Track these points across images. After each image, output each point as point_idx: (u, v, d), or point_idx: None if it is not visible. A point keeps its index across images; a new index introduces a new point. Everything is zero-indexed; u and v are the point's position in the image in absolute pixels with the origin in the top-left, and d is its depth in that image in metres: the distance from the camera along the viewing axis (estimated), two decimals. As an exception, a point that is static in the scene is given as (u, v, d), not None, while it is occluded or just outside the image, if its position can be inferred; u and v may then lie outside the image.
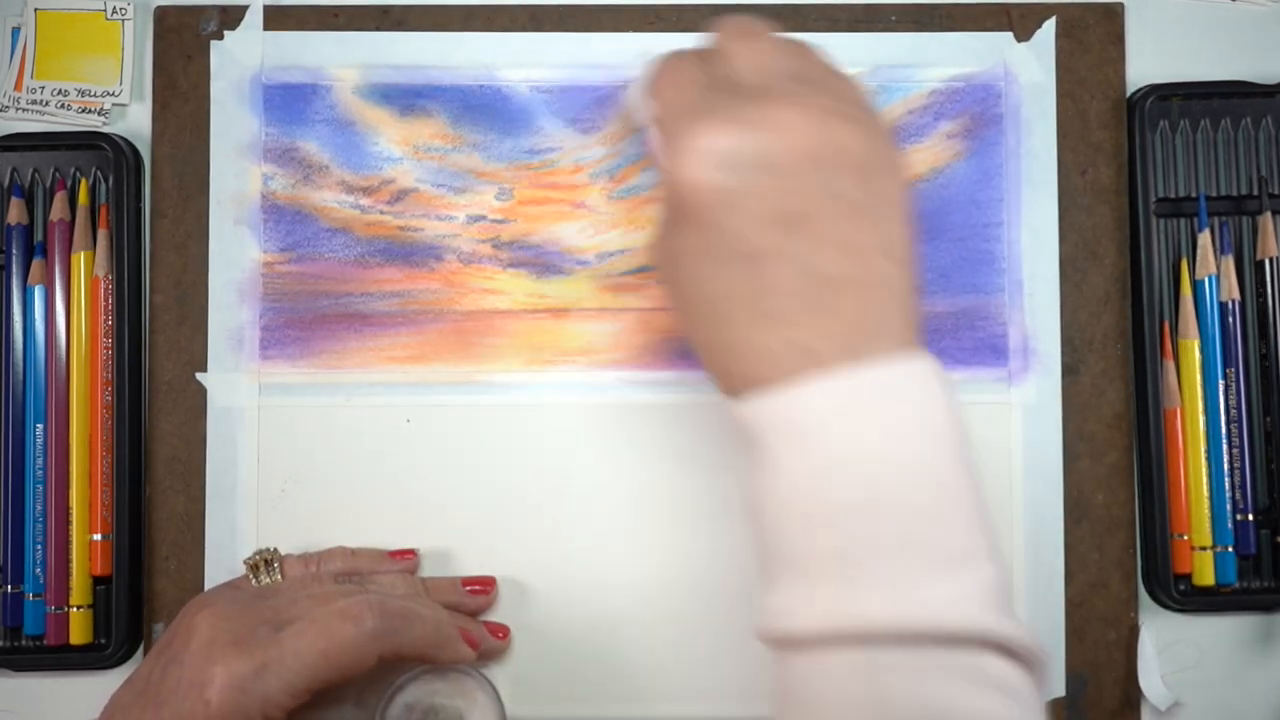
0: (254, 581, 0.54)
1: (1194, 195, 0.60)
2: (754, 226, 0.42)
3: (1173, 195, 0.60)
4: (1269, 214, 0.59)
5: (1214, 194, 0.60)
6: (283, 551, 0.56)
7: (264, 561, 0.54)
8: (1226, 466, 0.58)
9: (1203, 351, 0.59)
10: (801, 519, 0.41)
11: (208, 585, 0.58)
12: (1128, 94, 0.60)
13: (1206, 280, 0.59)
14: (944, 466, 0.41)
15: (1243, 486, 0.58)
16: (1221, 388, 0.58)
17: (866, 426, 0.41)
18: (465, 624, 0.55)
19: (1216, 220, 0.60)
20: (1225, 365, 0.58)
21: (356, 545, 0.57)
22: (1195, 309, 0.59)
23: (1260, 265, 0.59)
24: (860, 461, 0.40)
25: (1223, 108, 0.60)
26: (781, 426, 0.41)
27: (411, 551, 0.57)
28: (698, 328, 0.44)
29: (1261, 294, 0.59)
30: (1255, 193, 0.59)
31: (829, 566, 0.40)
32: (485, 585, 0.57)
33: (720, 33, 0.46)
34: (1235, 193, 0.60)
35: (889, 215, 0.43)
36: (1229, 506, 0.58)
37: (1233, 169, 0.60)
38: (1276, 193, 0.59)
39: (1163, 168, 0.60)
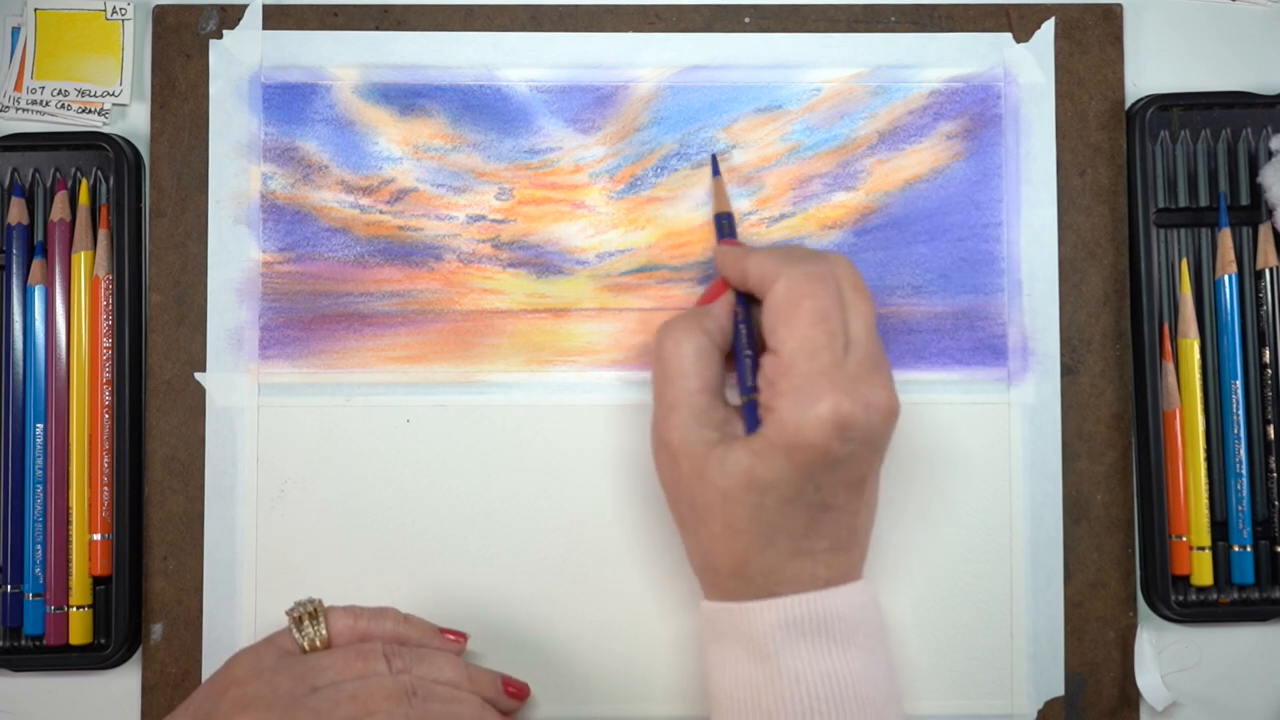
0: (296, 635, 0.53)
1: (1194, 205, 0.60)
2: (835, 486, 0.48)
3: (1173, 206, 0.60)
4: (1269, 224, 0.59)
5: (1214, 204, 0.60)
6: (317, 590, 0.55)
7: (308, 615, 0.53)
8: (1237, 469, 0.59)
9: (1217, 350, 0.59)
10: (752, 717, 0.47)
11: (206, 585, 0.58)
12: (1128, 103, 0.60)
13: (1226, 279, 0.59)
14: (878, 683, 0.48)
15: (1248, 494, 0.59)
16: (1235, 386, 0.59)
17: (820, 646, 0.48)
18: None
19: (1211, 230, 0.60)
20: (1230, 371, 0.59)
21: (388, 586, 0.57)
22: (1214, 306, 0.59)
23: (1260, 274, 0.59)
24: (811, 676, 0.47)
25: (1223, 118, 0.60)
26: (748, 635, 0.48)
27: (464, 635, 0.56)
28: (737, 544, 0.48)
29: (1262, 303, 0.59)
30: (1255, 203, 0.60)
31: None
32: (522, 690, 0.56)
33: (843, 277, 0.50)
34: (1236, 203, 0.60)
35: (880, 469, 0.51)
36: (1240, 507, 0.58)
37: (1233, 179, 0.60)
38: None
39: (1163, 178, 0.60)
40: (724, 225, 0.57)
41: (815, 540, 0.48)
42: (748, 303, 0.52)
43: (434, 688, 0.52)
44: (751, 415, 0.49)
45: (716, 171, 0.59)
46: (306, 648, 0.53)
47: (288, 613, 0.53)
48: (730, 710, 0.48)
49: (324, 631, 0.53)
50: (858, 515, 0.49)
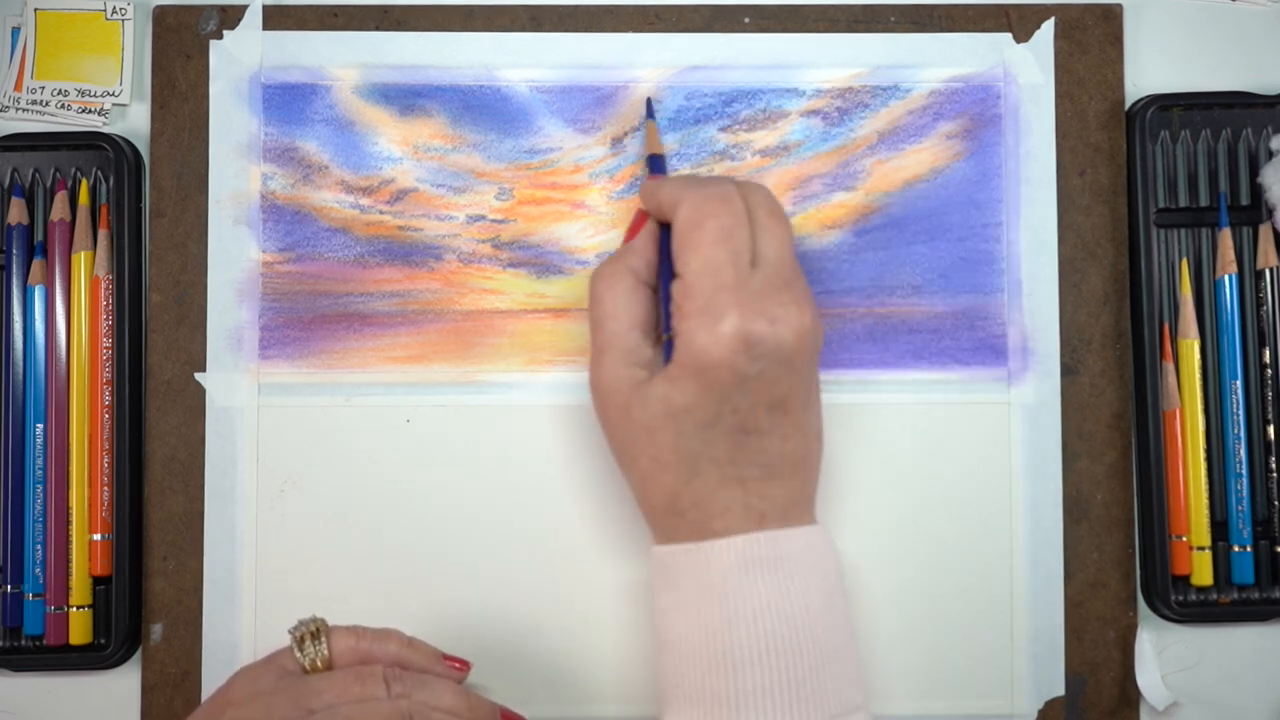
0: (298, 655, 0.51)
1: (1194, 205, 0.60)
2: (754, 407, 0.48)
3: (1173, 206, 0.60)
4: (1269, 224, 0.59)
5: (1214, 204, 0.60)
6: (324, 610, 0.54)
7: (310, 635, 0.52)
8: (1237, 469, 0.59)
9: (1217, 350, 0.59)
10: (704, 662, 0.47)
11: (206, 585, 0.58)
12: (1128, 103, 0.60)
13: (1226, 279, 0.59)
14: (836, 626, 0.48)
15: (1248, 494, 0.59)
16: (1235, 386, 0.59)
17: (780, 586, 0.47)
18: None
19: (1211, 230, 0.60)
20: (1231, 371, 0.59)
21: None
22: (1214, 306, 0.59)
23: (1260, 274, 0.59)
24: (770, 616, 0.46)
25: (1224, 118, 0.60)
26: (706, 575, 0.47)
27: (467, 664, 0.54)
28: (665, 476, 0.48)
29: (1262, 303, 0.59)
30: (1255, 203, 0.60)
31: (724, 708, 0.46)
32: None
33: (759, 202, 0.50)
34: (1236, 203, 0.60)
35: (819, 399, 0.51)
36: (1240, 507, 0.58)
37: (1233, 179, 0.60)
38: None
39: (1163, 178, 0.60)
40: (653, 164, 0.57)
41: (743, 467, 0.48)
42: (669, 236, 0.51)
43: (432, 714, 0.51)
44: (670, 348, 0.49)
45: (651, 115, 0.59)
46: (307, 668, 0.51)
47: (290, 631, 0.52)
48: (685, 654, 0.47)
49: (325, 652, 0.52)
50: (787, 440, 0.49)
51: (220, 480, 0.58)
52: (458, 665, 0.54)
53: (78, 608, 0.57)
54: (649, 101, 0.59)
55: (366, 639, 0.52)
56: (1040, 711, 0.58)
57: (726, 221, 0.48)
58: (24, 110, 0.60)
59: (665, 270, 0.51)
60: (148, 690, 0.58)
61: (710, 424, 0.47)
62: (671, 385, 0.48)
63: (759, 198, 0.50)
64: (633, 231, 0.53)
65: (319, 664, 0.52)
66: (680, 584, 0.48)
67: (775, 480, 0.48)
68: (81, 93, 0.60)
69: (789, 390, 0.48)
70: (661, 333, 0.50)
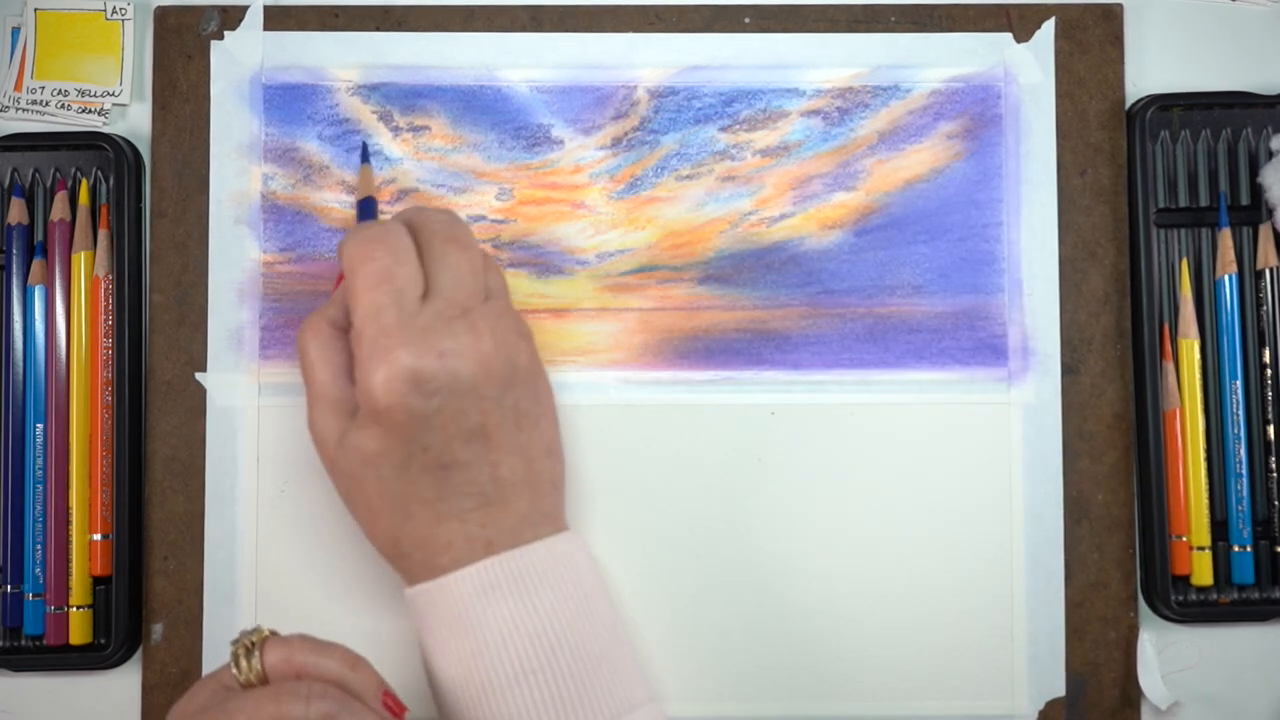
0: (235, 672, 0.47)
1: (1194, 205, 0.60)
2: (444, 442, 0.47)
3: (1173, 206, 0.60)
4: (1269, 224, 0.59)
5: (1214, 204, 0.60)
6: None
7: (244, 650, 0.47)
8: (1237, 469, 0.59)
9: (1217, 350, 0.59)
10: (466, 696, 0.47)
11: (206, 585, 0.58)
12: (1128, 103, 0.60)
13: (1226, 279, 0.59)
14: (597, 631, 0.48)
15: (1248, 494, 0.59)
16: (1235, 386, 0.59)
17: (523, 606, 0.47)
18: None
19: (1211, 230, 0.60)
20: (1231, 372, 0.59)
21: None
22: (1214, 306, 0.59)
23: (1260, 274, 0.59)
24: (518, 637, 0.46)
25: (1224, 118, 0.60)
26: (447, 611, 0.47)
27: (404, 709, 0.48)
28: (381, 521, 0.48)
29: (1262, 303, 0.59)
30: (1255, 203, 0.60)
31: None
32: None
33: (435, 230, 0.49)
34: (1236, 203, 0.60)
35: (547, 416, 0.51)
36: (1240, 507, 0.58)
37: (1233, 179, 0.60)
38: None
39: (1163, 178, 0.60)
40: (362, 210, 0.57)
41: (453, 501, 0.48)
42: None
43: None
44: None
45: (365, 159, 0.58)
46: (243, 684, 0.47)
47: (232, 643, 0.48)
48: (451, 691, 0.47)
49: (259, 666, 0.47)
50: (498, 466, 0.48)
51: (220, 480, 0.58)
52: (393, 707, 0.48)
53: (78, 608, 0.57)
54: (365, 146, 0.59)
55: (303, 651, 0.47)
56: (1041, 712, 0.58)
57: (384, 262, 0.48)
58: (24, 110, 0.60)
59: None
60: (148, 690, 0.58)
61: (405, 466, 0.47)
62: (362, 433, 0.48)
63: (436, 226, 0.50)
64: (339, 281, 0.53)
65: (253, 679, 0.48)
66: (430, 623, 0.48)
67: (494, 508, 0.48)
68: (81, 93, 0.60)
69: (484, 418, 0.48)
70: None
